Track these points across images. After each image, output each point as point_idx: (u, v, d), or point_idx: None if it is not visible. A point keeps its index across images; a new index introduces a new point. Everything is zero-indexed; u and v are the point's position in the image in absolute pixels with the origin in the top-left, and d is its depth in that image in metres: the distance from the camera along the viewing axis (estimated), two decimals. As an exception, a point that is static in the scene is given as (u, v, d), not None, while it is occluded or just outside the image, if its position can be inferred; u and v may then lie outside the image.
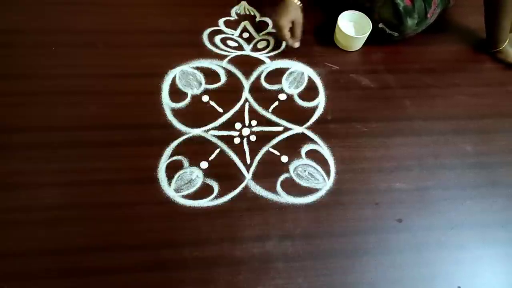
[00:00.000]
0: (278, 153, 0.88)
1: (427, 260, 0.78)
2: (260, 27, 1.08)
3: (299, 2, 0.97)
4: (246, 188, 0.83)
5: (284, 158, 0.87)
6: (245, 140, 0.89)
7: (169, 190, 0.81)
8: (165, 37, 1.03)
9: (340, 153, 0.89)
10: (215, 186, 0.83)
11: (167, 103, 0.92)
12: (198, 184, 0.83)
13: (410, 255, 0.78)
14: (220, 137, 0.89)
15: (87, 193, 0.80)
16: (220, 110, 0.93)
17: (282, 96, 0.96)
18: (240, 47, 1.03)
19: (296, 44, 1.01)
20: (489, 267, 0.79)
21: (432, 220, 0.82)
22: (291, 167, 0.86)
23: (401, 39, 1.05)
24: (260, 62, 1.01)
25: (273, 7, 1.00)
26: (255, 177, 0.84)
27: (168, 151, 0.86)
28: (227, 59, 1.01)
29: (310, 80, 1.00)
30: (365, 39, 1.03)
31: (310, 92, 0.98)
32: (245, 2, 1.12)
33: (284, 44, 1.04)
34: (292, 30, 0.98)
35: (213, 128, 0.90)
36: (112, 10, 1.08)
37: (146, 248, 0.75)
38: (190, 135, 0.89)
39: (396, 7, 0.97)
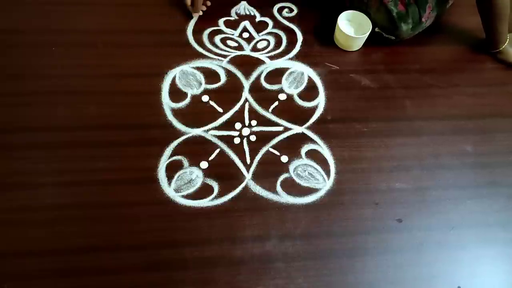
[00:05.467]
0: (278, 153, 0.88)
1: (427, 260, 0.78)
2: (260, 27, 1.08)
3: None
4: (246, 188, 0.83)
5: (284, 158, 0.87)
6: (245, 140, 0.89)
7: (169, 190, 0.81)
8: (165, 37, 1.03)
9: (340, 153, 0.89)
10: (215, 186, 0.83)
11: (167, 103, 0.92)
12: (198, 184, 0.83)
13: (410, 255, 0.78)
14: (220, 137, 0.89)
15: (87, 193, 0.80)
16: (220, 110, 0.93)
17: (282, 96, 0.96)
18: (240, 47, 1.03)
19: (196, 14, 1.06)
20: (489, 267, 0.79)
21: (432, 220, 0.82)
22: (291, 167, 0.86)
23: (398, 41, 1.05)
24: (260, 62, 1.01)
25: None
26: (255, 177, 0.84)
27: (168, 151, 0.86)
28: (227, 59, 1.01)
29: (310, 80, 1.00)
30: (365, 39, 1.03)
31: (310, 92, 0.98)
32: (245, 2, 1.12)
33: (284, 44, 1.04)
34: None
35: (213, 128, 0.90)
36: (112, 10, 1.08)
37: (146, 248, 0.75)
38: (190, 135, 0.89)
39: (389, 13, 0.97)
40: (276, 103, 0.95)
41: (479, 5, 0.96)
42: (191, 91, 0.95)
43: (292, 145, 0.89)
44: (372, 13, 1.01)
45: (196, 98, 0.94)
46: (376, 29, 1.02)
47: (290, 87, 0.98)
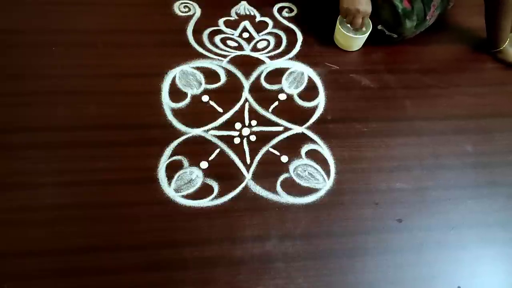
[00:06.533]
0: (278, 153, 0.88)
1: (427, 260, 0.78)
2: (260, 27, 1.08)
3: None
4: (246, 188, 0.83)
5: (284, 158, 0.87)
6: (245, 140, 0.89)
7: (169, 190, 0.81)
8: (165, 37, 1.03)
9: (340, 153, 0.89)
10: (215, 186, 0.83)
11: (167, 103, 0.92)
12: (198, 184, 0.83)
13: (410, 255, 0.78)
14: (220, 137, 0.89)
15: (87, 193, 0.80)
16: (220, 110, 0.93)
17: (282, 96, 0.96)
18: (240, 47, 1.03)
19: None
20: (489, 267, 0.79)
21: (432, 220, 0.82)
22: (291, 167, 0.86)
23: (400, 40, 1.05)
24: (260, 62, 1.01)
25: None
26: (255, 177, 0.84)
27: (168, 151, 0.86)
28: (227, 59, 1.01)
29: (310, 80, 1.00)
30: (365, 39, 1.03)
31: (310, 92, 0.98)
32: (245, 2, 1.12)
33: (284, 44, 1.04)
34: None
35: (213, 128, 0.90)
36: (112, 10, 1.08)
37: (146, 248, 0.75)
38: (190, 135, 0.89)
39: (395, 10, 0.97)
40: (276, 103, 0.95)
41: (487, 1, 0.95)
42: (191, 91, 0.95)
43: (292, 145, 0.89)
44: (377, 9, 1.00)
45: (196, 98, 0.94)
46: (379, 27, 1.02)
47: (290, 87, 0.98)
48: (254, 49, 1.04)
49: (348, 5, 0.94)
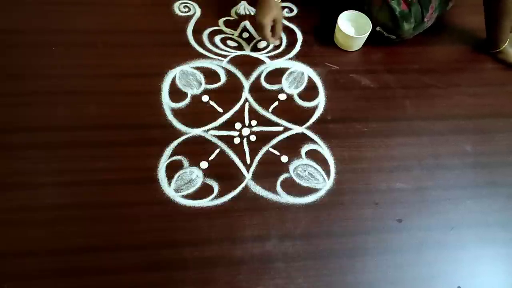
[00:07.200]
0: (278, 153, 0.88)
1: (427, 260, 0.78)
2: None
3: (279, 0, 0.97)
4: (246, 188, 0.83)
5: (284, 158, 0.87)
6: (245, 140, 0.89)
7: (169, 190, 0.81)
8: (165, 37, 1.03)
9: (340, 153, 0.89)
10: (215, 186, 0.83)
11: (167, 103, 0.92)
12: (198, 184, 0.83)
13: (410, 255, 0.78)
14: (220, 137, 0.89)
15: (87, 193, 0.80)
16: (220, 110, 0.93)
17: (282, 96, 0.96)
18: (240, 47, 1.03)
19: (277, 42, 1.02)
20: (489, 267, 0.79)
21: (432, 220, 0.82)
22: (291, 167, 0.86)
23: (399, 41, 1.05)
24: (260, 62, 1.01)
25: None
26: (255, 177, 0.84)
27: (168, 151, 0.86)
28: (227, 59, 1.01)
29: (310, 80, 1.00)
30: (365, 39, 1.03)
31: (310, 92, 0.98)
32: (245, 2, 1.12)
33: (283, 44, 1.05)
34: (273, 28, 0.97)
35: (213, 128, 0.90)
36: (112, 10, 1.08)
37: (146, 248, 0.75)
38: (190, 135, 0.89)
39: (392, 12, 0.97)
40: (276, 103, 0.95)
41: (487, 1, 0.95)
42: (191, 91, 0.95)
43: (292, 145, 0.89)
44: (375, 11, 1.00)
45: (196, 98, 0.94)
46: (377, 29, 1.02)
47: (290, 87, 0.98)
48: (254, 49, 1.04)
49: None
